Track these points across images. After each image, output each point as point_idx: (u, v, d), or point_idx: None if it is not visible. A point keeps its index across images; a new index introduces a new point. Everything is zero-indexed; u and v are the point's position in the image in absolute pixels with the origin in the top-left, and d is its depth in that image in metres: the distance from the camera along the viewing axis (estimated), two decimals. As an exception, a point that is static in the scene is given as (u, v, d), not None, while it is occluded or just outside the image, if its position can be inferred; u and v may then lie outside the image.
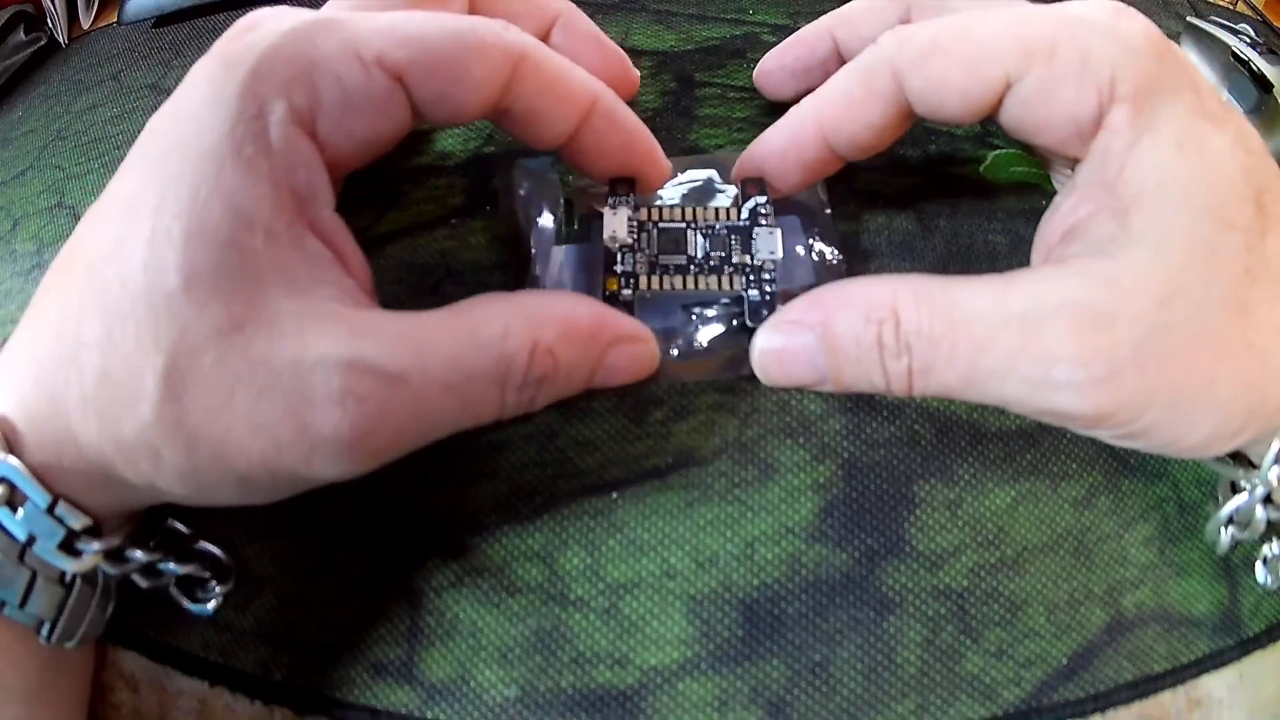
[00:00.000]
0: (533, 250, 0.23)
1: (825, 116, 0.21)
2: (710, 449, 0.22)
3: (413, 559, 0.21)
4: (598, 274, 0.22)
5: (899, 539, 0.21)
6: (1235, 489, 0.20)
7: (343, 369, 0.16)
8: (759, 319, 0.21)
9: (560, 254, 0.23)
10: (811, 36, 0.25)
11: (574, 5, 0.24)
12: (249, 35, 0.17)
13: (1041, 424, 0.22)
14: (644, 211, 0.22)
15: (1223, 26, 0.33)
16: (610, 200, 0.22)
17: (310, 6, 0.19)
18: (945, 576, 0.20)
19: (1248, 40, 0.32)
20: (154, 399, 0.16)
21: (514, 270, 0.24)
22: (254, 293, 0.16)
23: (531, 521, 0.21)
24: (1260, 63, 0.31)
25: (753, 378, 0.22)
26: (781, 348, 0.20)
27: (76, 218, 0.30)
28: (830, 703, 0.19)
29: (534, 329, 0.18)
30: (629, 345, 0.19)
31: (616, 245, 0.21)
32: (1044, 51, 0.18)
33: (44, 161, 0.33)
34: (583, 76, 0.20)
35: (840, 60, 0.24)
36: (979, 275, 0.18)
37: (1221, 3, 0.36)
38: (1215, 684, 0.20)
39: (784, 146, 0.22)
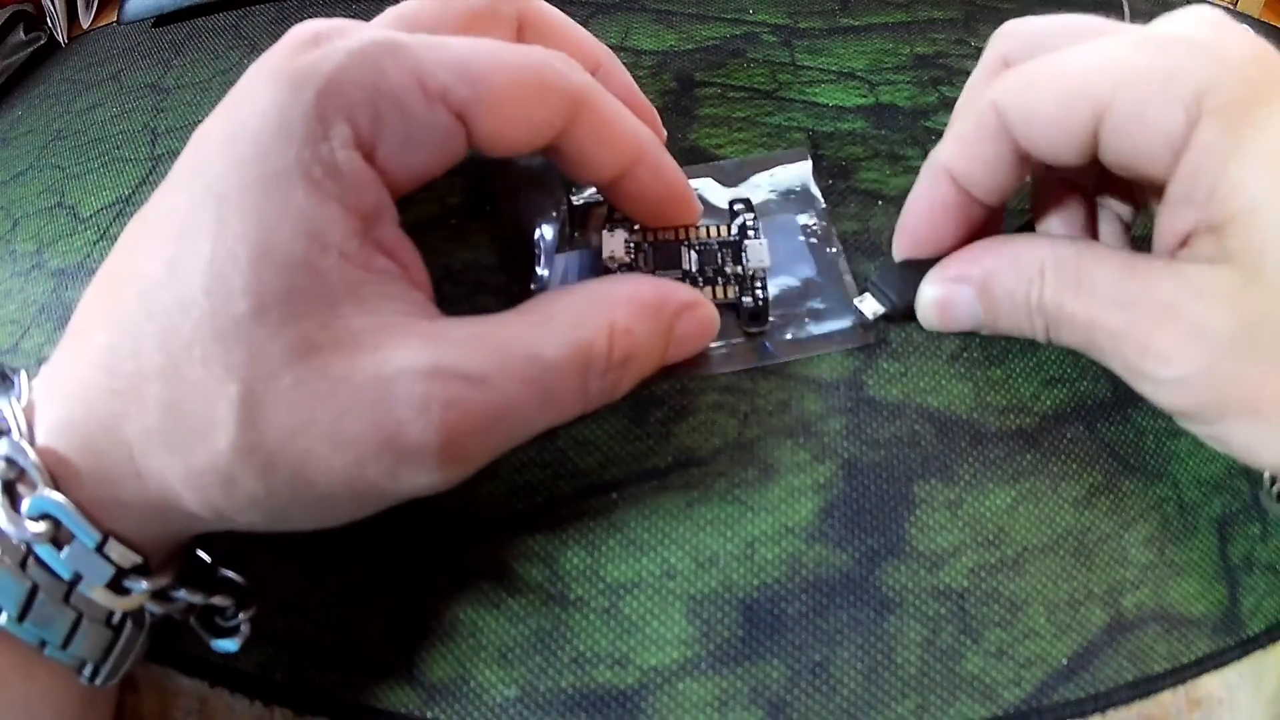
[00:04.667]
0: (538, 255, 0.23)
1: (951, 163, 0.21)
2: (710, 449, 0.22)
3: (413, 559, 0.21)
4: (600, 268, 0.23)
5: (899, 539, 0.21)
6: None
7: (424, 377, 0.16)
8: (755, 324, 0.23)
9: (563, 261, 0.23)
10: (928, 185, 0.22)
11: (614, 56, 0.23)
12: (314, 52, 0.17)
13: (1041, 424, 0.22)
14: (639, 233, 0.23)
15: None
16: (607, 225, 0.23)
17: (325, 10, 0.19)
18: (945, 576, 0.20)
19: (1248, 40, 0.32)
20: (230, 428, 0.15)
21: (516, 270, 0.24)
22: (328, 313, 0.16)
23: (531, 521, 0.21)
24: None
25: (750, 372, 0.22)
26: (944, 298, 0.21)
27: (76, 217, 0.30)
28: (830, 703, 0.19)
29: (606, 311, 0.18)
30: (692, 311, 0.20)
31: (615, 265, 0.22)
32: (1130, 77, 0.17)
33: (44, 161, 0.33)
34: (634, 125, 0.20)
35: (967, 194, 0.21)
36: (1115, 250, 0.20)
37: (1221, 3, 0.36)
38: (1215, 684, 0.20)
39: (928, 204, 0.22)
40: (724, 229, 0.23)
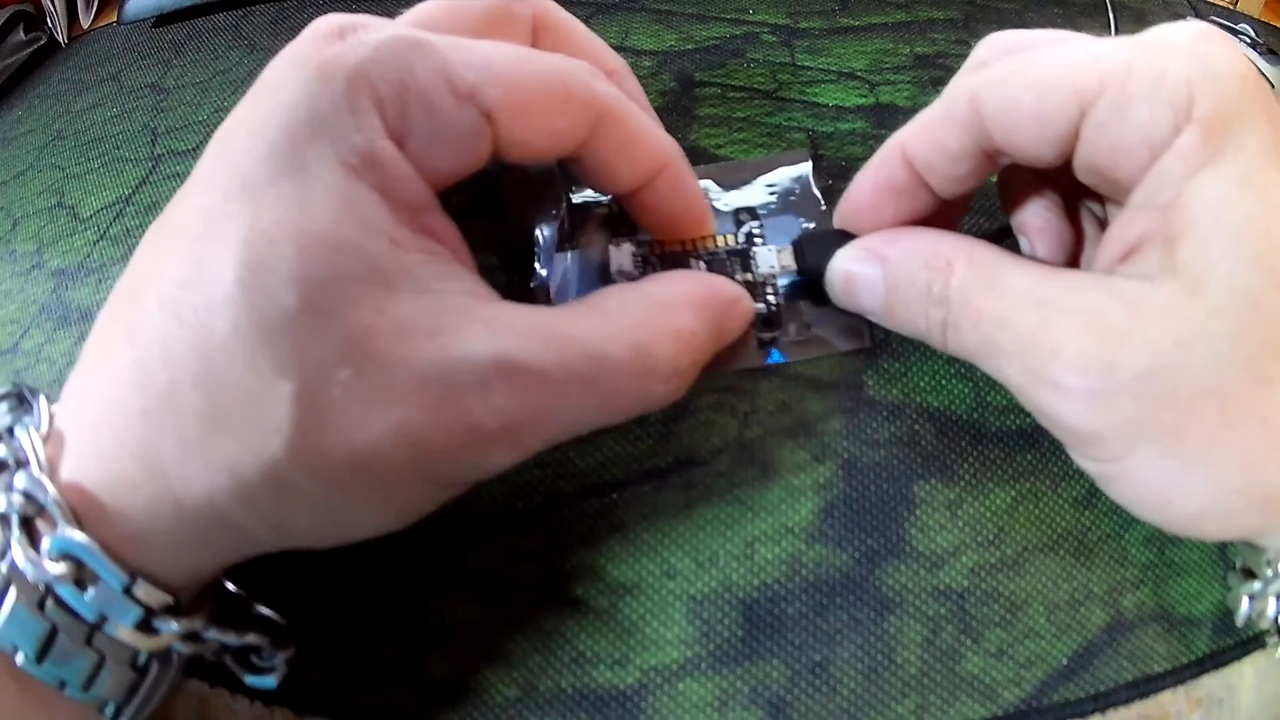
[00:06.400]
0: (537, 254, 0.23)
1: (910, 146, 0.20)
2: (710, 449, 0.22)
3: (414, 559, 0.21)
4: (602, 272, 0.23)
5: (899, 539, 0.21)
6: (1251, 572, 0.19)
7: (484, 367, 0.15)
8: (769, 330, 0.22)
9: (563, 260, 0.23)
10: (880, 162, 0.21)
11: (627, 65, 0.23)
12: (341, 43, 0.16)
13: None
14: (646, 245, 0.23)
15: (1223, 27, 0.33)
16: (613, 239, 0.23)
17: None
18: (945, 576, 0.20)
19: (1248, 40, 0.32)
20: (284, 430, 0.14)
21: (516, 270, 0.24)
22: (384, 298, 0.15)
23: (531, 521, 0.21)
24: (1260, 63, 0.31)
25: (750, 372, 0.22)
26: (851, 272, 0.21)
27: (76, 217, 0.30)
28: (830, 703, 0.19)
29: (668, 314, 0.18)
30: (736, 305, 0.20)
31: (623, 277, 0.22)
32: (1119, 73, 0.17)
33: (44, 161, 0.33)
34: (657, 138, 0.20)
35: (921, 180, 0.20)
36: (1033, 259, 0.19)
37: (1221, 3, 0.36)
38: (1215, 684, 0.20)
39: (874, 182, 0.21)
40: (730, 238, 0.23)
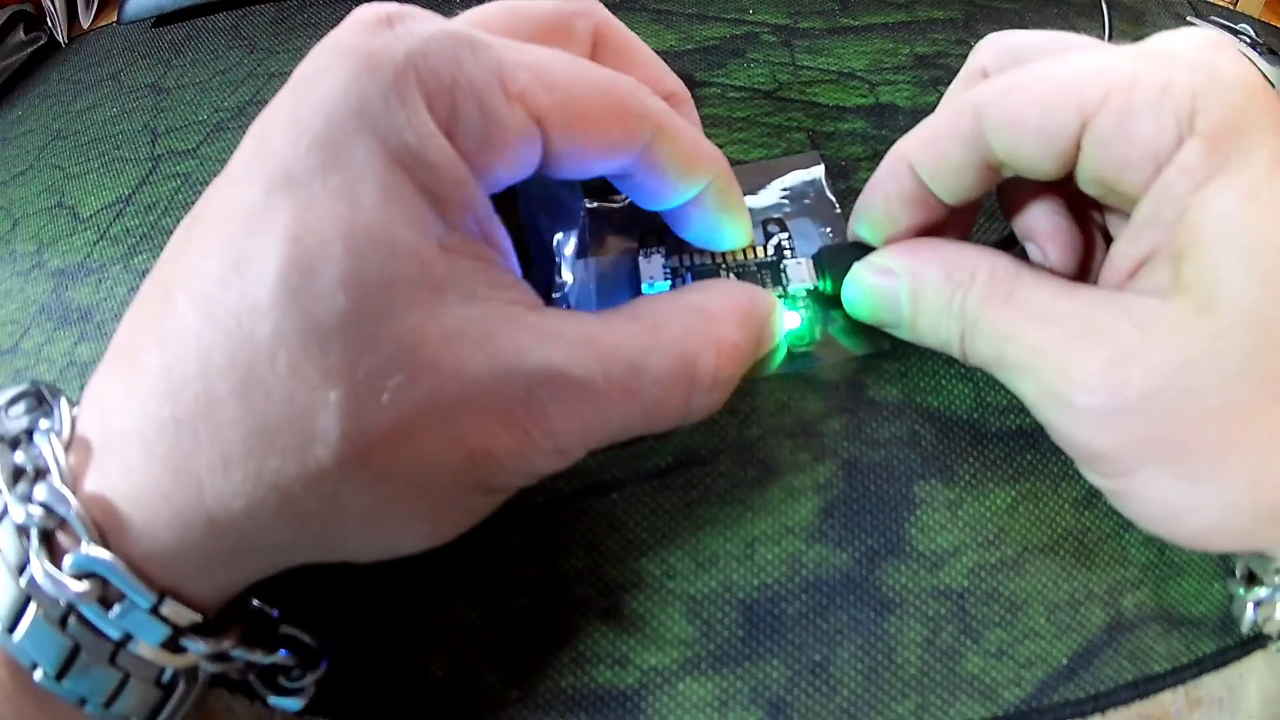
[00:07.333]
0: (559, 263, 0.23)
1: (915, 157, 0.19)
2: (710, 449, 0.22)
3: (414, 559, 0.21)
4: (624, 280, 0.23)
5: (899, 539, 0.21)
6: (1254, 579, 0.19)
7: (533, 376, 0.15)
8: (801, 344, 0.22)
9: (582, 268, 0.23)
10: (887, 174, 0.21)
11: (687, 89, 0.22)
12: (389, 32, 0.15)
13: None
14: (676, 256, 0.23)
15: (1223, 27, 0.33)
16: (643, 251, 0.23)
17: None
18: (945, 576, 0.20)
19: (1248, 40, 0.32)
20: (331, 440, 0.14)
21: (532, 277, 0.23)
22: (435, 303, 0.14)
23: (531, 521, 0.21)
24: (1260, 63, 0.31)
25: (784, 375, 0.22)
26: (872, 285, 0.20)
27: (76, 217, 0.30)
28: (830, 703, 0.19)
29: (711, 325, 0.18)
30: (772, 315, 0.20)
31: (654, 289, 0.22)
32: (1123, 84, 0.16)
33: (44, 161, 0.33)
34: (708, 153, 0.19)
35: (927, 193, 0.20)
36: (1052, 273, 0.19)
37: (1221, 3, 0.36)
38: (1215, 684, 0.20)
39: (884, 193, 0.20)
40: (760, 250, 0.23)
